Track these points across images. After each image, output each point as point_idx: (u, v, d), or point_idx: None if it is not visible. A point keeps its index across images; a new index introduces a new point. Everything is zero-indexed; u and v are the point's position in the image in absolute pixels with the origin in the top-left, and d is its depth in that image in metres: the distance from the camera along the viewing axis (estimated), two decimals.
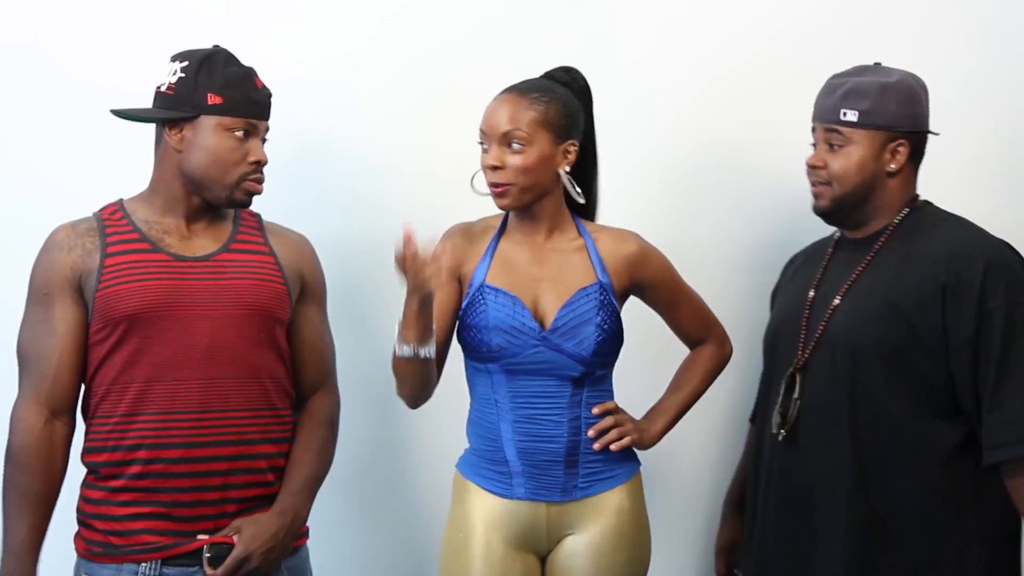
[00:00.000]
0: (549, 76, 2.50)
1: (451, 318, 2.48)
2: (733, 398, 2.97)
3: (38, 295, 2.36)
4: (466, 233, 2.51)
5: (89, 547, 2.34)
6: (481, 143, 2.43)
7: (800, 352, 2.47)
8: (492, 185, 2.41)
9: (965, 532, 2.36)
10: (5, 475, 2.35)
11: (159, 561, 2.31)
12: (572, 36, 2.92)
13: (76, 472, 2.39)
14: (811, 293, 2.51)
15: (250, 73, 2.39)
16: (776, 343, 2.58)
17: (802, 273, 2.61)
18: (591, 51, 2.86)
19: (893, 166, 2.44)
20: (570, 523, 2.45)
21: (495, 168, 2.39)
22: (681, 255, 2.63)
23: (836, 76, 2.51)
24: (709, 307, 2.63)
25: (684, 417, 2.64)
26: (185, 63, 2.36)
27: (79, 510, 2.38)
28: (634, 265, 2.50)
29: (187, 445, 2.31)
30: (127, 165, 2.53)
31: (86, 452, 2.38)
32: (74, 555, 2.37)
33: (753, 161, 3.00)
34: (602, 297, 2.44)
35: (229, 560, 2.32)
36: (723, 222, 3.01)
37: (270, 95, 2.42)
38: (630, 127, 2.90)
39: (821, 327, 2.44)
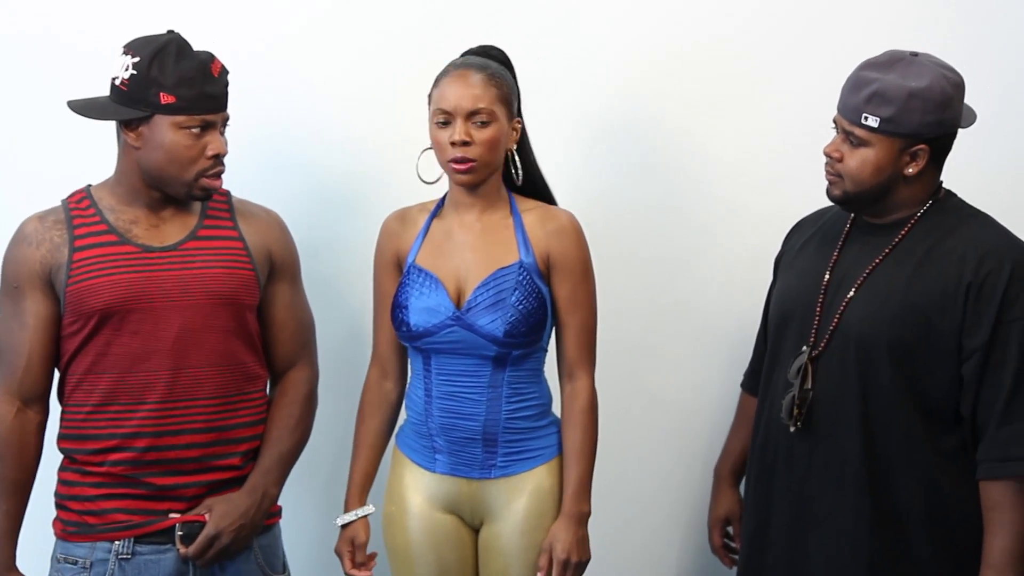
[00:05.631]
0: (473, 53, 2.47)
1: None
2: (720, 364, 2.99)
3: (8, 288, 2.39)
4: (401, 218, 2.54)
5: (65, 527, 2.40)
6: (441, 121, 2.38)
7: (813, 340, 2.42)
8: (456, 161, 2.38)
9: (967, 529, 2.36)
10: None
11: (132, 539, 2.36)
12: (530, 16, 2.87)
13: (55, 458, 2.43)
14: (827, 276, 2.44)
15: (204, 63, 2.32)
16: (787, 323, 2.51)
17: (816, 250, 2.52)
18: (552, 30, 2.87)
19: (911, 170, 2.35)
20: (490, 501, 2.46)
21: (465, 143, 2.36)
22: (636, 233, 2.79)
23: (867, 67, 2.37)
24: (596, 339, 2.51)
25: (667, 385, 2.85)
26: (136, 58, 2.30)
27: (56, 493, 2.43)
28: (551, 238, 2.44)
29: (157, 434, 2.35)
30: (94, 150, 2.53)
31: (61, 439, 2.42)
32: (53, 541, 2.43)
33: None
34: (520, 276, 2.41)
35: (200, 539, 2.36)
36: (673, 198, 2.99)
37: (227, 83, 2.36)
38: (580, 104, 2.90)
39: (836, 319, 2.40)
